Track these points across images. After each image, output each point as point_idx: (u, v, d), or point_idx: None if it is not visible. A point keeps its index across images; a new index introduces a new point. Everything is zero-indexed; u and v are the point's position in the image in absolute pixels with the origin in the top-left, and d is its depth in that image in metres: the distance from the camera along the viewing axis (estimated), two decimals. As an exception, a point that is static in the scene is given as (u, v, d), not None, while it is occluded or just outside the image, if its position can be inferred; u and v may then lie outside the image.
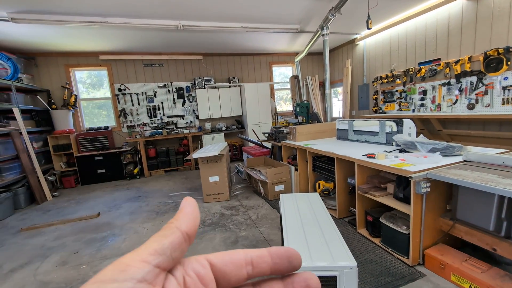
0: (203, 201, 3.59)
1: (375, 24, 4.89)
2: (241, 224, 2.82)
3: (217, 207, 3.38)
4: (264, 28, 4.59)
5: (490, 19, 3.40)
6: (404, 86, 4.74)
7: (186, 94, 6.18)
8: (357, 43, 5.93)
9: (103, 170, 5.26)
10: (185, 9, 3.65)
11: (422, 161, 1.93)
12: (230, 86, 6.40)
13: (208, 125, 6.25)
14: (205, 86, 6.14)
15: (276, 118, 6.80)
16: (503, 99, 3.31)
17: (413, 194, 1.77)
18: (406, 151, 2.34)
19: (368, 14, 3.53)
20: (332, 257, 1.19)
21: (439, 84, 4.09)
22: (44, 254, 2.52)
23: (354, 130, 3.24)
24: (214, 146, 4.15)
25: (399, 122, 2.64)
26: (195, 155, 3.43)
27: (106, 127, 5.57)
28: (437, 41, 4.14)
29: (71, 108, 5.31)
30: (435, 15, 4.12)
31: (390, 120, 2.75)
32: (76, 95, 5.37)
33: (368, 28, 3.58)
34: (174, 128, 6.12)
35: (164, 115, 6.07)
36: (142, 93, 5.86)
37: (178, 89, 6.12)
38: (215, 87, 6.26)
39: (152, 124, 6.00)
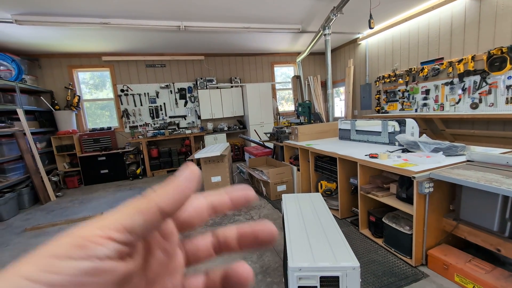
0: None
1: (377, 23, 4.86)
2: (243, 224, 2.82)
3: (219, 207, 3.39)
4: (266, 28, 4.59)
5: (494, 17, 3.37)
6: (406, 85, 4.72)
7: (188, 95, 6.20)
8: (359, 42, 5.90)
9: (106, 171, 5.29)
10: (187, 10, 3.66)
11: (425, 161, 1.92)
12: (232, 87, 6.40)
13: (210, 126, 6.26)
14: (207, 86, 6.15)
15: (278, 118, 6.79)
16: (507, 98, 3.28)
17: (416, 194, 1.77)
18: (408, 151, 2.33)
19: (370, 14, 3.52)
20: (334, 257, 1.19)
21: (442, 84, 4.06)
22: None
23: (356, 130, 3.23)
24: (216, 146, 4.16)
25: (401, 122, 2.63)
26: (197, 155, 3.43)
27: (109, 128, 5.60)
28: (440, 40, 4.11)
29: (74, 109, 5.34)
30: (438, 14, 4.10)
31: (392, 120, 2.74)
32: (79, 96, 5.40)
33: (370, 28, 3.56)
34: (176, 129, 6.14)
35: (166, 115, 6.09)
36: (145, 93, 5.89)
37: (180, 90, 6.14)
38: (217, 88, 6.27)
39: (154, 124, 6.02)
